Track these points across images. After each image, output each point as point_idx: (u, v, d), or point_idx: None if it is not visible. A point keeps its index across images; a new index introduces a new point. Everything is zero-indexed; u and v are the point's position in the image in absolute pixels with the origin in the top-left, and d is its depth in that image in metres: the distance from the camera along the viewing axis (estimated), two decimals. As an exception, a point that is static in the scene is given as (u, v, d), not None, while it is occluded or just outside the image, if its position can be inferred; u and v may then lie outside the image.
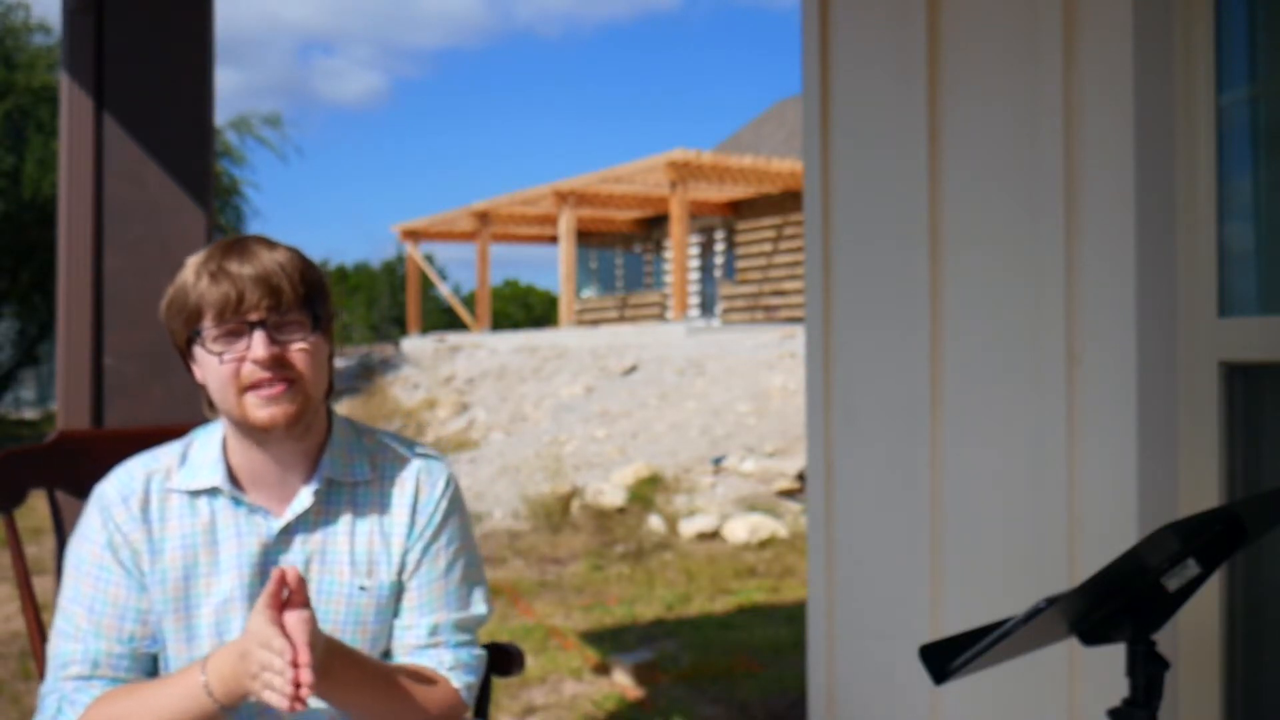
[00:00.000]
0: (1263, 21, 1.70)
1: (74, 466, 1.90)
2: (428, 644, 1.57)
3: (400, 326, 33.36)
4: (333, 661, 1.42)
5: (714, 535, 7.62)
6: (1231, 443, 1.68)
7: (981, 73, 1.92)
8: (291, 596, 1.36)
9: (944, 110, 1.96)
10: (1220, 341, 1.67)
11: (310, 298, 1.50)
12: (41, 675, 1.70)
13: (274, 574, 1.36)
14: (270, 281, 1.46)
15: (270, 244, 1.51)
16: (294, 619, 1.34)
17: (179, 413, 2.79)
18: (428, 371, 16.27)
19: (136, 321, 2.83)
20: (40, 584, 1.87)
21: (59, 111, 2.89)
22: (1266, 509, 1.33)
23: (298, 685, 1.29)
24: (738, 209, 20.16)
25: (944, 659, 1.23)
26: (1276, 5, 1.69)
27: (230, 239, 1.53)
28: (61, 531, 1.89)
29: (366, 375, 16.96)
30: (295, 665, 1.30)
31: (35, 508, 1.90)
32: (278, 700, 1.30)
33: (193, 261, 1.50)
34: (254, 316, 1.45)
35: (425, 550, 1.59)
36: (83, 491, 1.88)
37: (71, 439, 1.95)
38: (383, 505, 1.59)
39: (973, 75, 1.93)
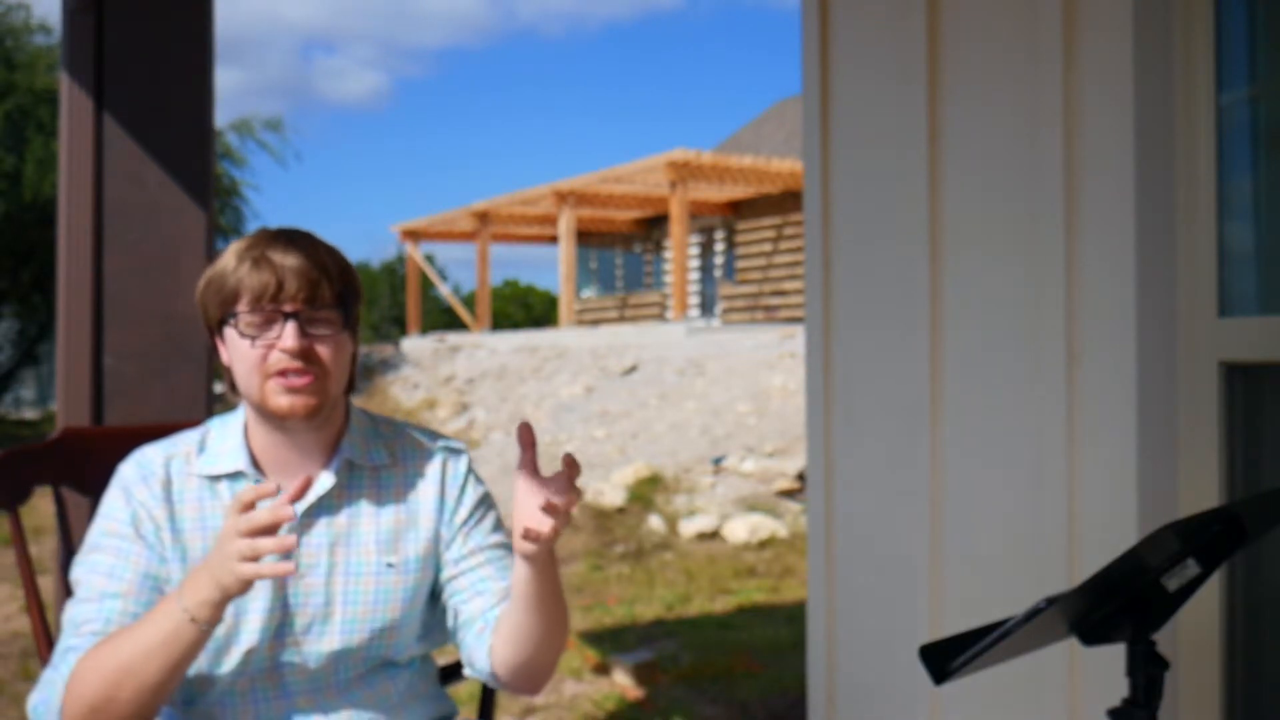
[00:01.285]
0: (1263, 21, 1.70)
1: (79, 463, 1.91)
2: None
3: (400, 326, 33.36)
4: (553, 554, 1.46)
5: (714, 535, 7.61)
6: (1231, 443, 1.68)
7: (981, 73, 1.92)
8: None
9: (944, 110, 1.96)
10: (1220, 341, 1.67)
11: (345, 296, 1.54)
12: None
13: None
14: (310, 275, 1.49)
15: (314, 239, 1.55)
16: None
17: (179, 412, 2.79)
18: (428, 371, 16.27)
19: (136, 321, 2.83)
20: (41, 583, 1.87)
21: (59, 112, 2.89)
22: (1266, 509, 1.33)
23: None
24: (738, 209, 20.16)
25: (944, 659, 1.23)
26: (1276, 5, 1.69)
27: (276, 229, 1.56)
28: (66, 528, 1.89)
29: (366, 375, 16.96)
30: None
31: (35, 507, 1.90)
32: (264, 568, 1.28)
33: (235, 246, 1.54)
34: (289, 307, 1.48)
35: (470, 517, 1.64)
36: (87, 488, 1.89)
37: (76, 436, 1.95)
38: (406, 486, 1.62)
39: (973, 75, 1.93)
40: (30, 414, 20.39)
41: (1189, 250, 1.70)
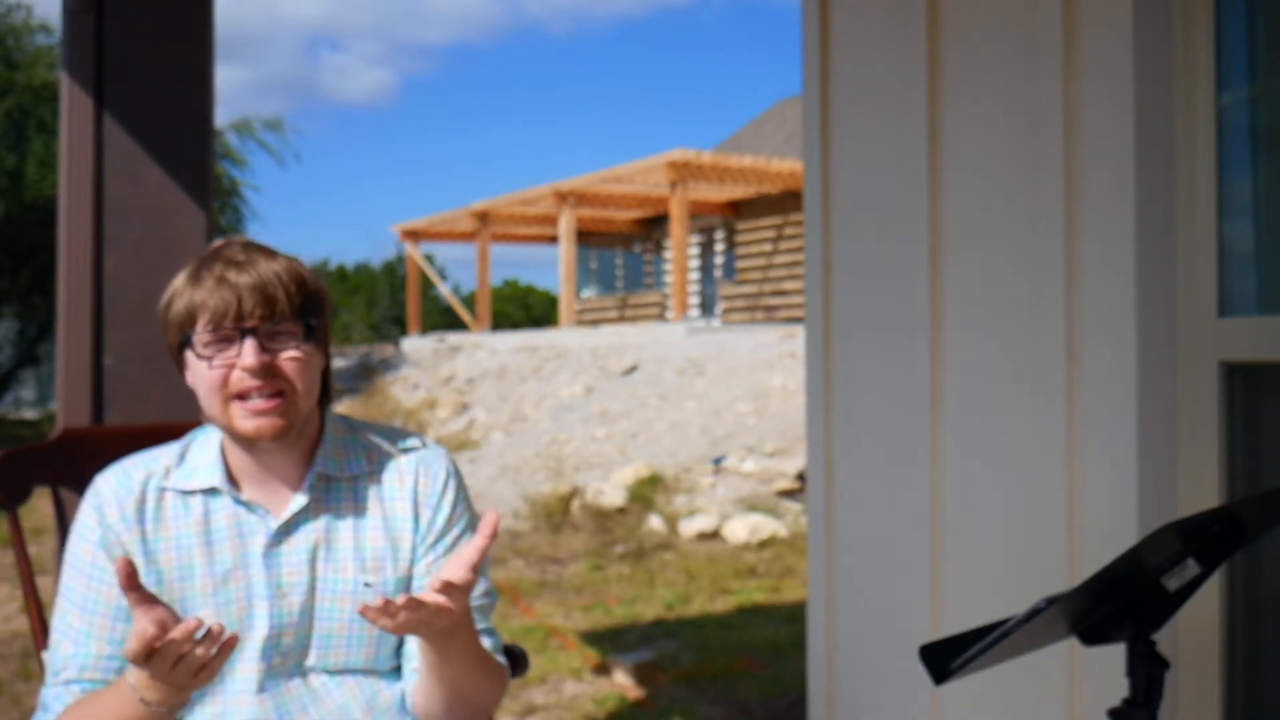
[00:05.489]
0: (1263, 21, 1.70)
1: (78, 463, 1.90)
2: None
3: (400, 326, 33.36)
4: (461, 625, 1.40)
5: (714, 535, 7.61)
6: (1231, 443, 1.68)
7: (982, 72, 1.92)
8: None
9: (944, 110, 1.96)
10: (1220, 341, 1.67)
11: (305, 308, 1.49)
12: (43, 673, 1.71)
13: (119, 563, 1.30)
14: (266, 290, 1.45)
15: (269, 252, 1.51)
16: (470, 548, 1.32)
17: (179, 413, 2.79)
18: (428, 371, 16.27)
19: (136, 321, 2.83)
20: (40, 583, 1.87)
21: (59, 111, 2.89)
22: (1266, 509, 1.33)
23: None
24: (738, 209, 20.16)
25: (944, 659, 1.23)
26: (1277, 5, 1.69)
27: (227, 246, 1.51)
28: (65, 528, 1.89)
29: (366, 375, 16.96)
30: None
31: (34, 507, 1.90)
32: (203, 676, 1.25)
33: (190, 266, 1.50)
34: (246, 324, 1.44)
35: (438, 544, 1.58)
36: (86, 489, 1.89)
37: (75, 436, 1.96)
38: (384, 499, 1.58)
39: (973, 75, 1.93)
40: (30, 414, 20.39)
41: (1189, 250, 1.70)
